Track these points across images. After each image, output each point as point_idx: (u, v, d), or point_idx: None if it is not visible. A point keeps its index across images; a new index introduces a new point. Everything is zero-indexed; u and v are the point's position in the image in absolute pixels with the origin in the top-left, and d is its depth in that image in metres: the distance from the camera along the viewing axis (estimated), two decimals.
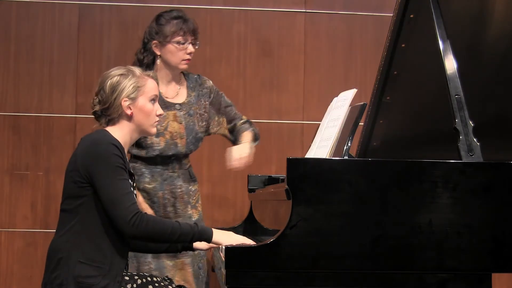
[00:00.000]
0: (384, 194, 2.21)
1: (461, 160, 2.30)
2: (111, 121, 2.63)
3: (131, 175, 2.63)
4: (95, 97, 2.65)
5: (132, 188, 2.59)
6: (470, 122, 2.35)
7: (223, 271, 2.21)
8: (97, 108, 2.64)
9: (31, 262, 4.61)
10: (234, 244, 2.43)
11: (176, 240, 2.48)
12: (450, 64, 2.45)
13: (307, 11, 4.90)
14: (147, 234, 2.44)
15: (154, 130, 2.68)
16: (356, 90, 2.62)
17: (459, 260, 2.21)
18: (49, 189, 4.62)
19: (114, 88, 2.60)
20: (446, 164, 2.24)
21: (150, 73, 2.71)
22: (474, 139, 2.33)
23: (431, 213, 2.21)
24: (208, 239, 2.51)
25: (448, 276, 2.21)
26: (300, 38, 4.88)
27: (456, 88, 2.41)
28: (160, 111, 2.68)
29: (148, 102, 2.64)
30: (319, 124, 2.85)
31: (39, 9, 4.74)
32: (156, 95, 2.67)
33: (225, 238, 2.50)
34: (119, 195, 2.44)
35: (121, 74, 2.62)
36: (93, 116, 2.67)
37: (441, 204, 2.22)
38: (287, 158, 2.20)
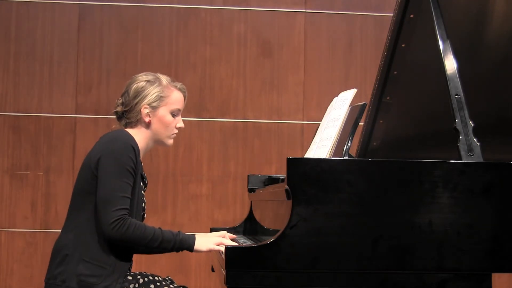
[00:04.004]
0: (384, 194, 2.20)
1: (461, 160, 2.30)
2: (129, 124, 2.64)
3: (143, 179, 2.63)
4: (120, 98, 2.67)
5: (139, 194, 2.57)
6: (470, 122, 2.35)
7: (223, 271, 2.20)
8: (119, 109, 2.65)
9: (31, 262, 4.61)
10: (214, 248, 2.46)
11: (157, 247, 2.45)
12: (450, 64, 2.45)
13: (307, 11, 4.90)
14: (126, 239, 2.41)
15: (170, 141, 2.68)
16: (356, 90, 2.62)
17: (459, 260, 2.20)
18: (49, 189, 4.62)
19: (138, 93, 2.61)
20: (446, 164, 2.24)
21: (178, 84, 2.69)
22: (474, 139, 2.32)
23: (431, 213, 2.21)
24: (190, 248, 2.47)
25: (448, 276, 2.21)
26: (300, 38, 4.89)
27: (456, 88, 2.41)
28: (180, 124, 2.67)
29: (169, 113, 2.63)
30: (319, 124, 2.84)
31: (39, 9, 4.75)
32: (179, 109, 2.66)
33: (205, 245, 2.48)
34: (113, 196, 2.41)
35: (148, 81, 2.63)
36: (114, 115, 2.69)
37: (441, 204, 2.22)
38: (287, 158, 2.20)
